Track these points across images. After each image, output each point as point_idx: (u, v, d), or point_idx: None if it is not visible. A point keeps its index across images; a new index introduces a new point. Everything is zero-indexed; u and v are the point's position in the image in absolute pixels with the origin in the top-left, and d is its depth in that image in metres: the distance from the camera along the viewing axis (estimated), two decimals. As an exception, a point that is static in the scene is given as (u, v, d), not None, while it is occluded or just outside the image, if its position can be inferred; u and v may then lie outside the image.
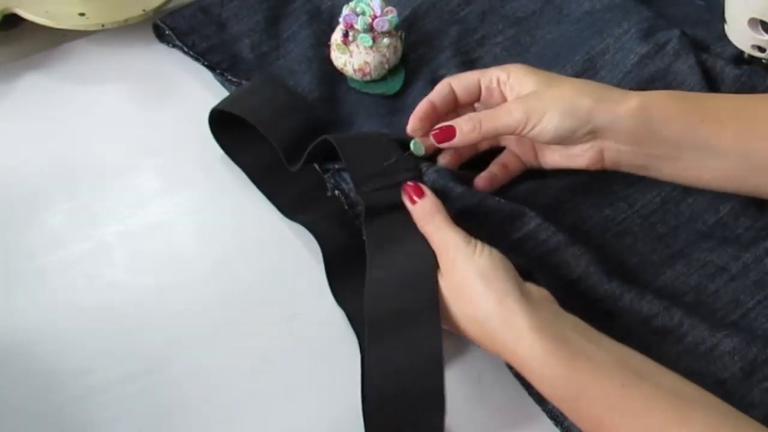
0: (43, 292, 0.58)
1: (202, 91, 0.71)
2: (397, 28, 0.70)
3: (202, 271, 0.60)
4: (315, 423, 0.53)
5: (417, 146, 0.59)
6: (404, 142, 0.59)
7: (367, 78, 0.70)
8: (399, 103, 0.70)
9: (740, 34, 0.69)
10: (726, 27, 0.70)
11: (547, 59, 0.71)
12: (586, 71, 0.69)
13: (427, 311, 0.51)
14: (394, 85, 0.71)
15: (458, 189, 0.58)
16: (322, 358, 0.56)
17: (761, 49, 0.68)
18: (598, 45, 0.69)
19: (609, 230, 0.61)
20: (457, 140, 0.58)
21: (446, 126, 0.58)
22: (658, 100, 0.57)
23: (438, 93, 0.61)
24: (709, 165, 0.57)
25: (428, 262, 0.52)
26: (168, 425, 0.53)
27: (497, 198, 0.59)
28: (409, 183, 0.55)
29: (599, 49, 0.69)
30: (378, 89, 0.70)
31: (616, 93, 0.57)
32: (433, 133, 0.58)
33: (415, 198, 0.54)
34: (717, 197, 0.62)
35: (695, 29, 0.72)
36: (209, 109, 0.64)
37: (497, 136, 0.61)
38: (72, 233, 0.61)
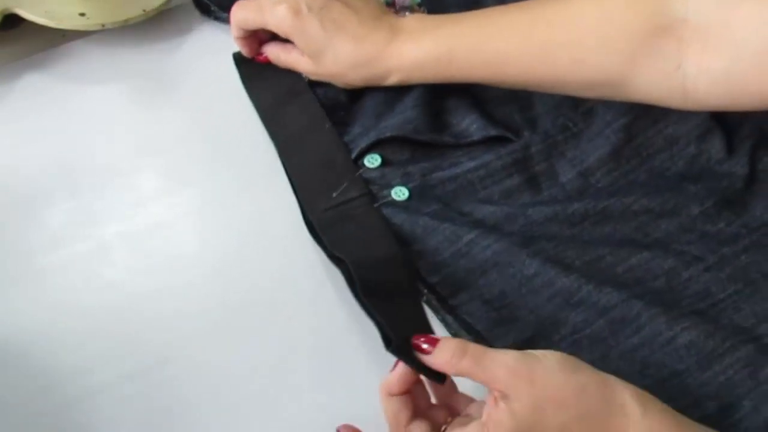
0: (43, 292, 0.58)
1: (203, 90, 0.71)
2: (420, 3, 0.69)
3: (202, 271, 0.60)
4: (315, 423, 0.53)
5: (372, 160, 0.62)
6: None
7: None
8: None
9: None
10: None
11: None
12: None
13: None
14: None
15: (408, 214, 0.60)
16: (322, 359, 0.56)
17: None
18: None
19: (588, 218, 0.60)
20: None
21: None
22: None
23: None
24: None
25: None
26: (168, 425, 0.53)
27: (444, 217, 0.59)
28: (416, 338, 0.48)
29: None
30: None
31: None
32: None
33: (427, 347, 0.47)
34: (702, 188, 0.61)
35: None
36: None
37: None
38: (72, 233, 0.61)
